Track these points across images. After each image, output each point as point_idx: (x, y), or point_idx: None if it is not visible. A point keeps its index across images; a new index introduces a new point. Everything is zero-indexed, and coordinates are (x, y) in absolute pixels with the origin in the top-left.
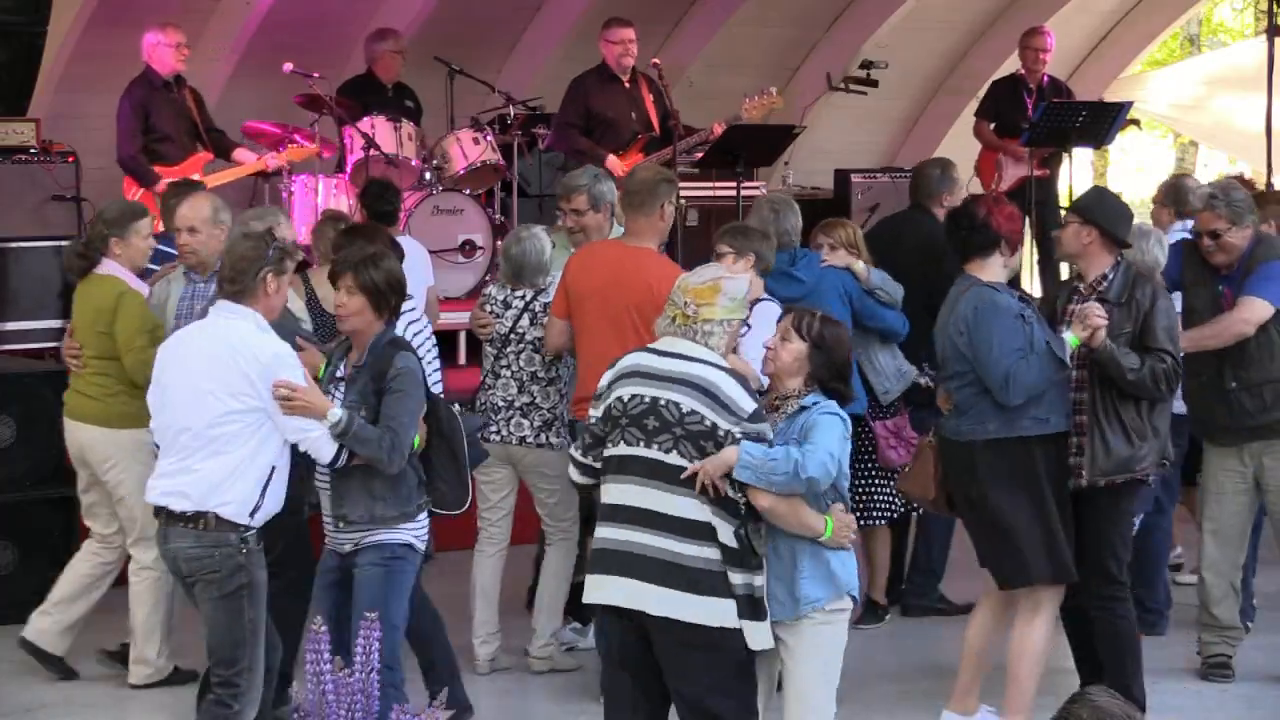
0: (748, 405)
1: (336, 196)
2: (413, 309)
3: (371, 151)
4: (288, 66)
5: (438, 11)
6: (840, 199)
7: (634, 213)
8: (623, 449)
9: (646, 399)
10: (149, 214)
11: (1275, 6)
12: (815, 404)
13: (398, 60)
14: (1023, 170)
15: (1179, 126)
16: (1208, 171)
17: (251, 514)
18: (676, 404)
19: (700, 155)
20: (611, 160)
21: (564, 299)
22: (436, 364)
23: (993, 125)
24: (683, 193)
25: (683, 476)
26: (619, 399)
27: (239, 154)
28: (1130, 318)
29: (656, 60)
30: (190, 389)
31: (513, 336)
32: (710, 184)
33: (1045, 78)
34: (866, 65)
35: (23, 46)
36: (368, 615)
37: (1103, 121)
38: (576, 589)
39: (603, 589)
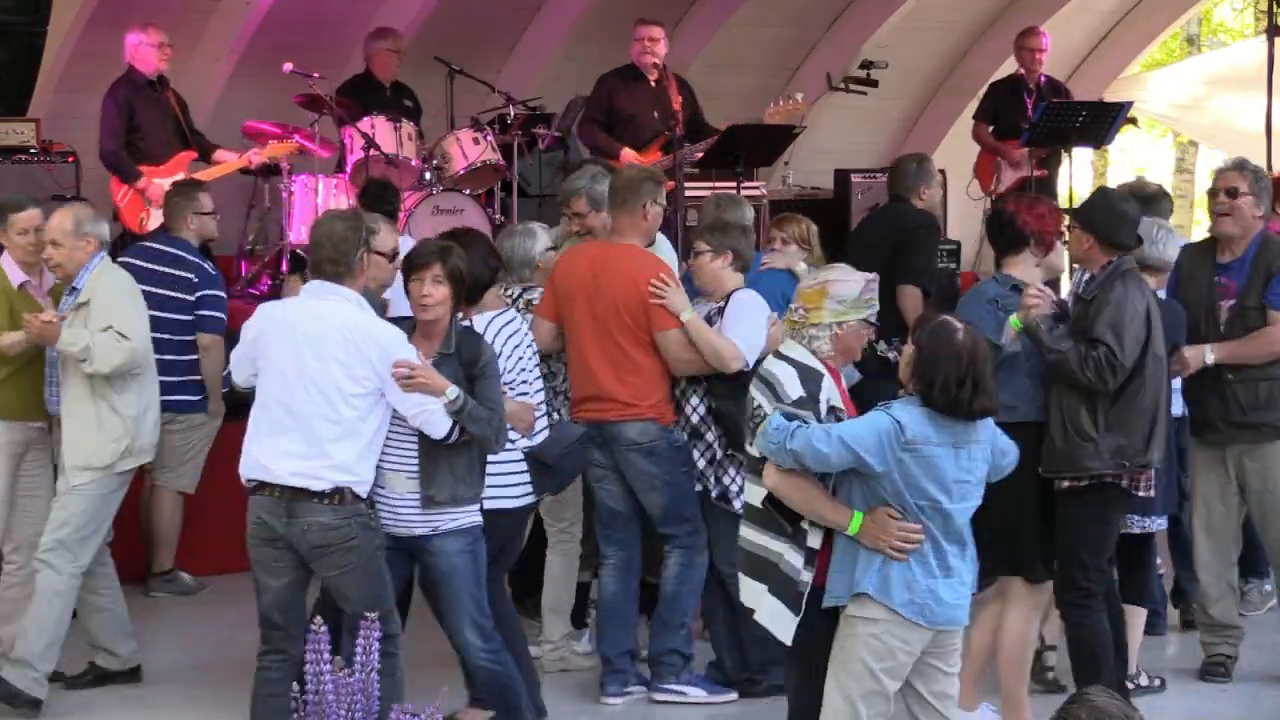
0: (793, 393)
1: (336, 196)
2: (510, 315)
3: (371, 151)
4: (288, 66)
5: (438, 11)
6: (840, 199)
7: (618, 211)
8: None
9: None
10: (29, 208)
11: (1275, 6)
12: (889, 403)
13: (394, 58)
14: (1022, 171)
15: (1179, 126)
16: (1208, 171)
17: (370, 489)
18: (752, 399)
19: (700, 155)
20: (627, 155)
21: (551, 299)
22: (535, 360)
23: (991, 127)
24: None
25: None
26: None
27: (219, 155)
28: (1091, 312)
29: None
30: (299, 372)
31: None
32: (710, 184)
33: (1043, 78)
34: (866, 65)
35: (23, 46)
36: (368, 616)
37: (1102, 121)
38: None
39: None
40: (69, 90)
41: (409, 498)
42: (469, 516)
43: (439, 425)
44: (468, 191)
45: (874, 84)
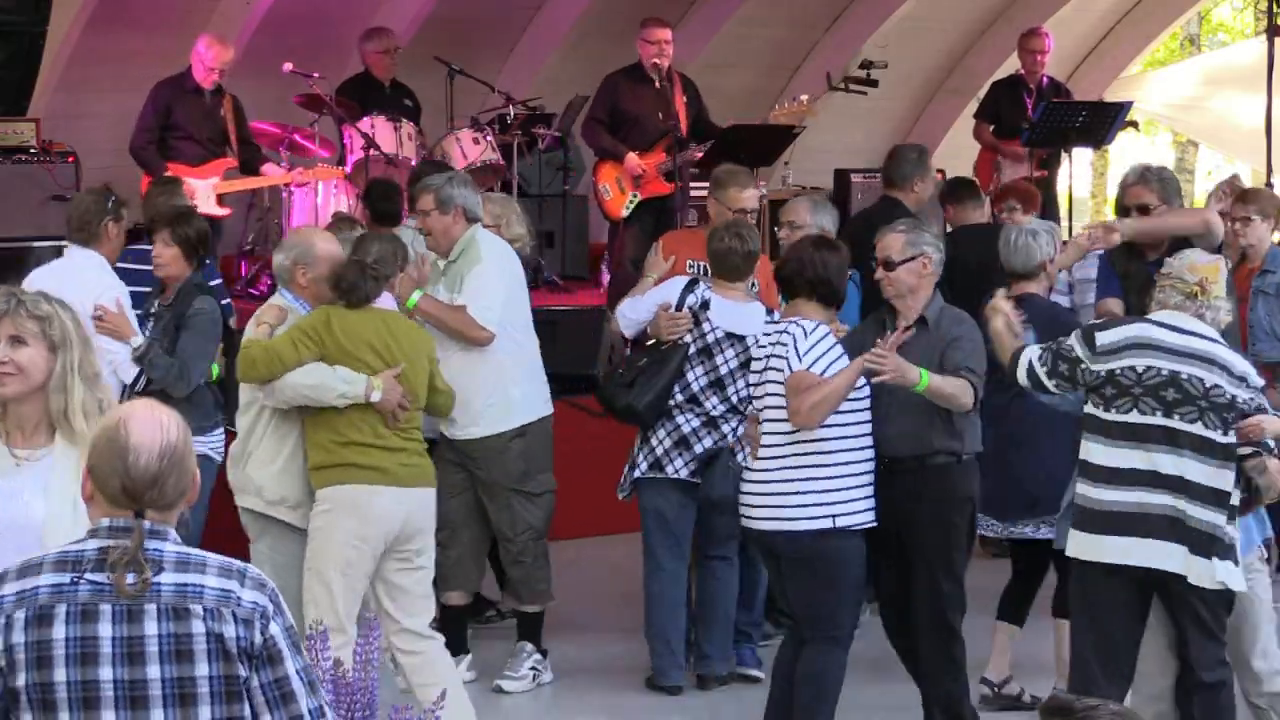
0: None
1: (336, 196)
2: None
3: (371, 151)
4: (288, 66)
5: (438, 11)
6: (840, 199)
7: None
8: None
9: (1165, 372)
10: None
11: (1275, 6)
12: None
13: (388, 60)
14: (1021, 171)
15: (1178, 126)
16: (1206, 170)
17: None
18: (1200, 379)
19: (700, 155)
20: (631, 158)
21: None
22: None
23: (992, 127)
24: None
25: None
26: (1131, 368)
27: (267, 168)
28: None
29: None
30: None
31: None
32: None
33: (1045, 78)
34: (866, 65)
35: (23, 46)
36: (366, 615)
37: (1103, 122)
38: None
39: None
40: (69, 90)
41: None
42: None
43: (125, 370)
44: None
45: (874, 84)
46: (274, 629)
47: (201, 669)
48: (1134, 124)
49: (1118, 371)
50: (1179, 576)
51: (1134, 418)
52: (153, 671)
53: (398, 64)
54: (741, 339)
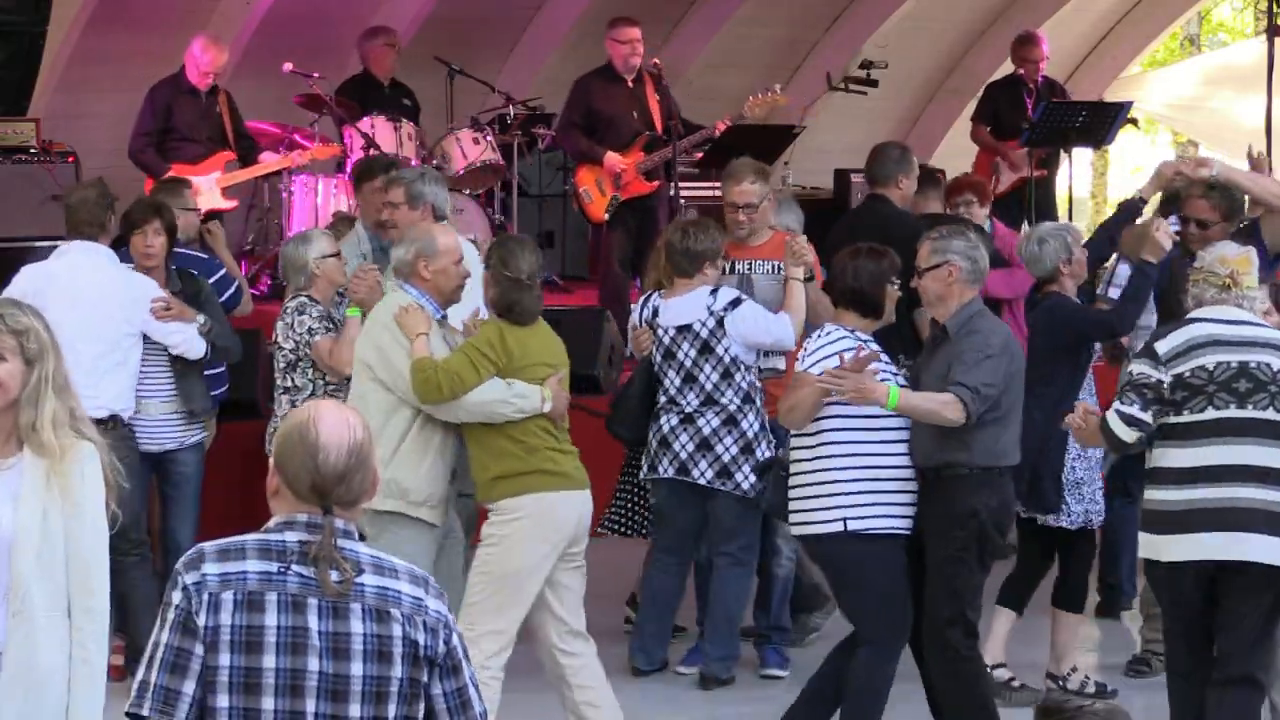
0: None
1: (336, 197)
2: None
3: (371, 151)
4: (287, 66)
5: (438, 11)
6: (840, 199)
7: None
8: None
9: (1234, 364)
10: None
11: (1275, 6)
12: None
13: (390, 54)
14: (1021, 171)
15: (1178, 126)
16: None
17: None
18: (1268, 364)
19: (700, 155)
20: (611, 158)
21: None
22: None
23: (989, 128)
24: (682, 192)
25: None
26: (1202, 367)
27: (264, 157)
28: None
29: (656, 60)
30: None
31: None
32: (710, 184)
33: (1041, 78)
34: (866, 65)
35: (23, 46)
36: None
37: (1103, 121)
38: None
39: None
40: (69, 90)
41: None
42: (204, 433)
43: (197, 346)
44: (467, 191)
45: (874, 84)
46: (454, 639)
47: (396, 670)
48: (1133, 121)
49: (1187, 374)
50: (1241, 568)
51: (1209, 414)
52: (355, 668)
53: (398, 63)
54: (689, 327)
